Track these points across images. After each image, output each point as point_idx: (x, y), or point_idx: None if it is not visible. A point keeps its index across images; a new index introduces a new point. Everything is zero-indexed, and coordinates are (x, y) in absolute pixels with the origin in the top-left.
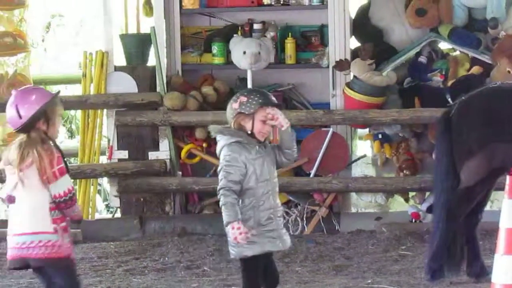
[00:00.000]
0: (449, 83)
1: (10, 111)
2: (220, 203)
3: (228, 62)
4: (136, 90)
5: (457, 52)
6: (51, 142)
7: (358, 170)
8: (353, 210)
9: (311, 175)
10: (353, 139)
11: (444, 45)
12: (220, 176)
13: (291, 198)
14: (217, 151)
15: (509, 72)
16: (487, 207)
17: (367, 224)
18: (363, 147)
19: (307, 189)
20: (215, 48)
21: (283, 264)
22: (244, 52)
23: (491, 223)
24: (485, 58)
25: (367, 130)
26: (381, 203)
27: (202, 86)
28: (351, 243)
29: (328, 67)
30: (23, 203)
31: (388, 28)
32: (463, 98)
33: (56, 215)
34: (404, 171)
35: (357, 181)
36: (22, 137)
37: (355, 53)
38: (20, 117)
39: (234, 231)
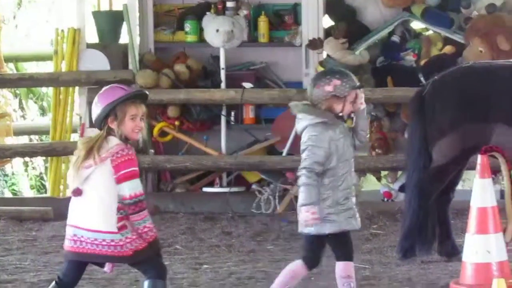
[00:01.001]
0: (422, 62)
1: (93, 106)
2: (300, 182)
3: (201, 40)
4: (108, 68)
5: (430, 32)
6: (127, 142)
7: None
8: None
9: (284, 154)
10: None
11: (417, 25)
12: (304, 156)
13: (263, 176)
14: (298, 130)
15: (481, 52)
16: (459, 187)
17: None
18: None
19: (280, 168)
20: (188, 26)
21: (256, 242)
22: (217, 30)
23: (463, 202)
24: (458, 38)
25: None
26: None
27: (175, 64)
28: None
29: (301, 45)
30: (90, 198)
31: (362, 7)
32: (435, 77)
33: (121, 214)
34: (377, 150)
35: None
36: (99, 133)
37: (328, 32)
38: (95, 113)
39: (307, 215)
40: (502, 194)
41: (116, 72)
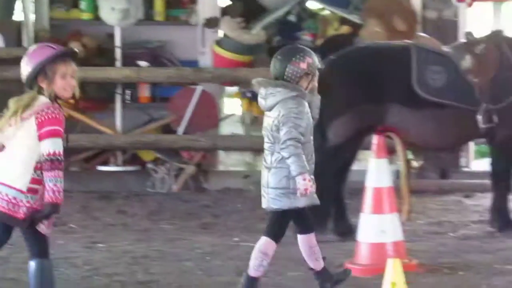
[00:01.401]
0: (319, 42)
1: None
2: (289, 153)
3: (97, 18)
4: (2, 45)
5: (327, 12)
6: (56, 102)
7: (227, 128)
8: (221, 168)
9: (179, 133)
10: (222, 97)
11: (313, 5)
12: (286, 128)
13: (159, 155)
14: (268, 105)
15: (377, 32)
16: (354, 166)
17: (235, 182)
18: (232, 105)
19: (175, 147)
20: (83, 4)
21: (151, 221)
22: (113, 8)
23: (358, 183)
24: (355, 18)
25: (236, 88)
26: (249, 161)
27: (70, 42)
28: (219, 201)
29: (197, 24)
30: (9, 154)
31: None
32: (332, 57)
33: (37, 175)
34: None
35: (225, 139)
36: (29, 92)
37: (224, 11)
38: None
39: (306, 183)
40: (397, 174)
41: (10, 49)
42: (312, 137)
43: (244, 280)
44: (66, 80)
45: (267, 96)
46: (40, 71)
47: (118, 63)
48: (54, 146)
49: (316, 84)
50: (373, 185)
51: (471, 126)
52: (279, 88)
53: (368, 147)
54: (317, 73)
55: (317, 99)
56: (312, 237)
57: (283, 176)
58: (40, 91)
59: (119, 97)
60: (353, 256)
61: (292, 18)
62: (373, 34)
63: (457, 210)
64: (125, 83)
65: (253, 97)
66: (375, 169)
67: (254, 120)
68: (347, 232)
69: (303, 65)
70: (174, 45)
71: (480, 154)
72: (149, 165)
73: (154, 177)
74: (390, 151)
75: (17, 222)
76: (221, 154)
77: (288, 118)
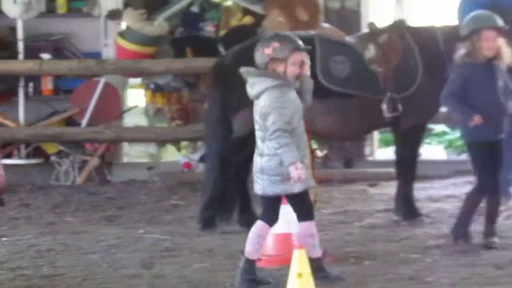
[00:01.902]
0: (221, 33)
1: None
2: (278, 144)
3: None
4: None
5: (229, 2)
6: None
7: (130, 120)
8: (125, 160)
9: (83, 125)
10: (126, 88)
11: None
12: (272, 118)
13: (62, 148)
14: (253, 94)
15: (280, 22)
16: None
17: (139, 174)
18: (136, 97)
19: (79, 139)
20: None
21: (55, 214)
22: (14, 1)
23: None
24: (257, 9)
25: (139, 79)
26: (153, 153)
27: None
28: (123, 193)
29: (100, 16)
30: None
31: None
32: (237, 48)
33: None
34: (176, 121)
35: (129, 131)
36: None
37: (127, 3)
38: None
39: (298, 171)
40: None
41: None
42: (302, 122)
43: (244, 264)
44: None
45: (253, 85)
46: None
47: (20, 56)
48: None
49: (304, 68)
50: None
51: (375, 115)
52: (263, 77)
53: None
54: (294, 56)
55: (307, 83)
56: (312, 224)
57: (277, 163)
58: None
59: (21, 90)
60: None
61: (194, 9)
62: (276, 24)
63: (362, 199)
64: (28, 76)
65: (156, 89)
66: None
67: (158, 112)
68: (252, 223)
69: (268, 50)
70: (77, 37)
71: (384, 143)
72: (53, 158)
73: (58, 169)
74: None
75: None
76: (125, 146)
77: (274, 108)
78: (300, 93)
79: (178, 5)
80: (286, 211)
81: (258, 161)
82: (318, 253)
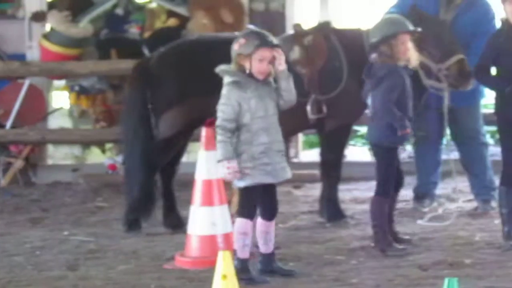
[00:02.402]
0: (146, 35)
1: None
2: (216, 140)
3: None
4: None
5: (154, 4)
6: None
7: (55, 122)
8: (50, 162)
9: (7, 127)
10: (50, 91)
11: None
12: (217, 114)
13: None
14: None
15: (205, 24)
16: (184, 159)
17: (64, 176)
18: (60, 98)
19: (3, 141)
20: None
21: None
22: None
23: (188, 175)
24: (182, 11)
25: (64, 81)
26: (78, 155)
27: None
28: (48, 195)
29: (24, 18)
30: None
31: None
32: (162, 50)
33: None
34: (101, 123)
35: (54, 133)
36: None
37: (51, 5)
38: None
39: (223, 170)
40: None
41: None
42: (266, 119)
43: (237, 264)
44: None
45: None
46: None
47: None
48: None
49: (279, 67)
50: (203, 177)
51: (300, 117)
52: (224, 74)
53: (197, 139)
54: (260, 52)
55: (284, 79)
56: (246, 223)
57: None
58: None
59: None
60: (184, 249)
61: (119, 11)
62: (200, 26)
63: (286, 201)
64: None
65: (81, 91)
66: (204, 161)
67: (82, 114)
68: (177, 224)
69: (235, 46)
70: (1, 39)
71: (308, 145)
72: None
73: None
74: None
75: None
76: (50, 148)
77: (219, 105)
78: (277, 90)
79: (102, 7)
80: (211, 213)
81: None
82: (246, 254)
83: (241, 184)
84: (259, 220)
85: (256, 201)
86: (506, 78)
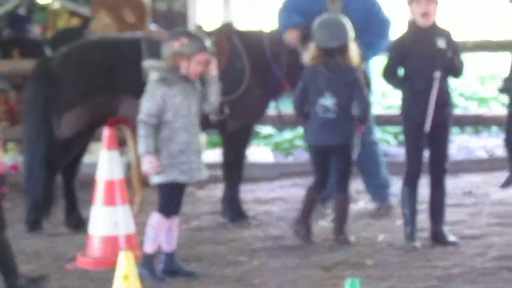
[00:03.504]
0: (49, 35)
1: None
2: (139, 134)
3: None
4: None
5: (57, 5)
6: None
7: None
8: None
9: None
10: None
11: None
12: (140, 109)
13: None
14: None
15: (108, 24)
16: (85, 159)
17: None
18: None
19: None
20: None
21: None
22: None
23: (89, 175)
24: (84, 11)
25: None
26: None
27: None
28: None
29: None
30: None
31: None
32: (64, 50)
33: None
34: (3, 122)
35: None
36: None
37: None
38: None
39: (145, 164)
40: (129, 166)
41: None
42: (186, 118)
43: (143, 259)
44: None
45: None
46: None
47: None
48: None
49: (211, 72)
50: (105, 178)
51: (202, 117)
52: (153, 70)
53: (99, 139)
54: (200, 55)
55: (213, 85)
56: (157, 217)
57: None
58: None
59: None
60: (85, 249)
61: (21, 11)
62: (103, 26)
63: (189, 201)
64: None
65: None
66: (106, 161)
67: None
68: (79, 225)
69: (175, 44)
70: None
71: (211, 145)
72: None
73: None
74: (121, 143)
75: None
76: None
77: (142, 99)
78: (203, 95)
79: (4, 7)
80: (111, 213)
81: None
82: (151, 249)
83: (156, 180)
84: (152, 214)
85: (175, 199)
86: (413, 78)
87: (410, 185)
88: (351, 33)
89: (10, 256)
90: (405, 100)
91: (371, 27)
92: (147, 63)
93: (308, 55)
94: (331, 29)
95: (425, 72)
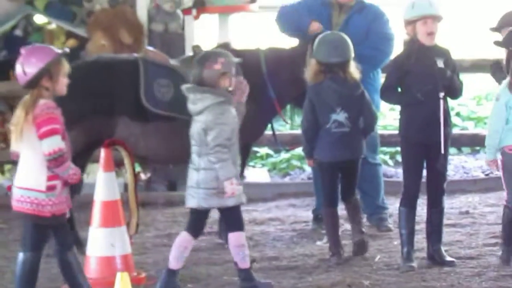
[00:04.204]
0: None
1: (17, 67)
2: (216, 159)
3: None
4: None
5: (53, 25)
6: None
7: None
8: None
9: None
10: None
11: (40, 19)
12: (214, 134)
13: None
14: (197, 110)
15: (104, 45)
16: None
17: None
18: None
19: None
20: None
21: None
22: None
23: (87, 196)
24: (81, 32)
25: None
26: None
27: None
28: None
29: None
30: (24, 158)
31: None
32: None
33: (52, 172)
34: (1, 145)
35: None
36: (27, 95)
37: None
38: (24, 74)
39: (233, 187)
40: (125, 187)
41: None
42: (237, 139)
43: (239, 275)
44: (65, 79)
45: (196, 101)
46: (45, 71)
47: None
48: (52, 144)
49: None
50: (101, 199)
51: None
52: (207, 94)
53: (96, 160)
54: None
55: (240, 105)
56: (242, 235)
57: (213, 176)
58: (40, 91)
59: None
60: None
61: (18, 32)
62: (99, 47)
63: (185, 222)
64: None
65: None
66: (103, 182)
67: None
68: (77, 245)
69: (217, 66)
70: None
71: None
72: None
73: None
74: (118, 164)
75: (46, 220)
76: None
77: (216, 124)
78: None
79: (1, 28)
80: (108, 234)
81: (194, 176)
82: (246, 264)
83: (231, 203)
84: (231, 235)
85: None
86: (412, 97)
87: (408, 205)
88: (352, 49)
89: (78, 274)
90: (403, 119)
91: (369, 39)
92: (203, 89)
93: (309, 72)
94: (333, 45)
95: (424, 90)
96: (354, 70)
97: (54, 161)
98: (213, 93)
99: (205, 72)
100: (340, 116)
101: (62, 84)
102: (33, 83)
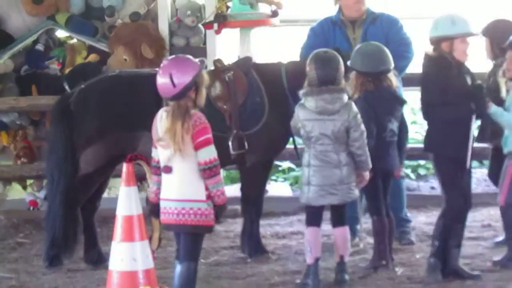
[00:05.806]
0: (67, 71)
1: (163, 78)
2: (362, 151)
3: None
4: None
5: (74, 40)
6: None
7: None
8: None
9: None
10: None
11: (61, 33)
12: (362, 128)
13: None
14: (336, 108)
15: (125, 60)
16: (105, 194)
17: None
18: None
19: None
20: None
21: None
22: None
23: (109, 210)
24: (102, 46)
25: None
26: None
27: None
28: None
29: None
30: (180, 171)
31: (5, 15)
32: (82, 86)
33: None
34: (22, 159)
35: None
36: (171, 106)
37: None
38: (174, 85)
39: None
40: (147, 201)
41: None
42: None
43: (338, 266)
44: (205, 90)
45: (334, 100)
46: (194, 83)
47: None
48: (209, 154)
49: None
50: (123, 213)
51: (223, 153)
52: (343, 93)
53: (118, 175)
54: None
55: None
56: (347, 229)
57: (352, 170)
58: (188, 103)
59: None
60: (105, 285)
61: (39, 47)
62: (121, 62)
63: (208, 236)
64: None
65: (1, 127)
66: (125, 197)
67: (3, 150)
68: (99, 260)
69: (342, 67)
70: None
71: (229, 180)
72: None
73: None
74: (140, 178)
75: (207, 229)
76: None
77: (359, 119)
78: None
79: (23, 43)
80: (130, 249)
81: (335, 174)
82: (310, 260)
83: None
84: (337, 229)
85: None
86: (449, 112)
87: (458, 221)
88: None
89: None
90: (441, 135)
91: (391, 48)
92: (333, 89)
93: (352, 84)
94: (377, 55)
95: (460, 106)
96: (394, 78)
97: (209, 170)
98: (346, 92)
99: (334, 71)
100: (394, 125)
101: (203, 95)
102: (183, 94)
